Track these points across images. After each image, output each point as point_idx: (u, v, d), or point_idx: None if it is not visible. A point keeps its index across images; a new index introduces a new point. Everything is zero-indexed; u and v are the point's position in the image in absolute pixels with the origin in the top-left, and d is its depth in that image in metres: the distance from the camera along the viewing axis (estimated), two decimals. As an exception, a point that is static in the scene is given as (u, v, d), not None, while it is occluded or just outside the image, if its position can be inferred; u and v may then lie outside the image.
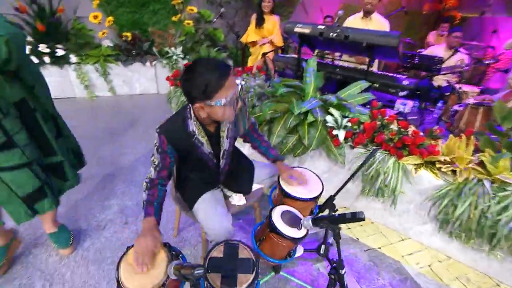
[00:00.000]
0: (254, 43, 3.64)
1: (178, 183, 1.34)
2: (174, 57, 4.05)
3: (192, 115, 1.09)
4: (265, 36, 3.54)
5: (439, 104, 2.80)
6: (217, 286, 0.82)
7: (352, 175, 1.34)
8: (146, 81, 4.23)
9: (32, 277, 1.39)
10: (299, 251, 1.48)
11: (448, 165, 1.55)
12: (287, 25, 2.52)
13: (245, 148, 2.17)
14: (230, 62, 4.35)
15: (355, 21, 2.91)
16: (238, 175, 1.39)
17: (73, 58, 3.62)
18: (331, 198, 1.31)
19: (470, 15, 5.32)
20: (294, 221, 1.06)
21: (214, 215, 1.16)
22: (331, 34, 2.19)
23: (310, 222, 0.97)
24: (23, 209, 1.19)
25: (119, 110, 3.62)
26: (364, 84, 2.10)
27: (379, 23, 2.84)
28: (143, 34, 4.23)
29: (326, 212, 1.35)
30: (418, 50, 3.91)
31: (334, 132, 1.83)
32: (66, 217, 1.77)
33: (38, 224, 1.57)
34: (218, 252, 0.92)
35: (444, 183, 1.58)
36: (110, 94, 4.00)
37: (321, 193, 1.26)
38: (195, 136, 1.10)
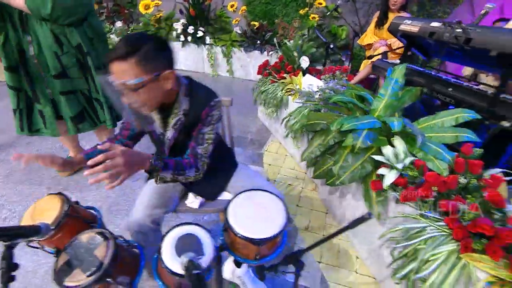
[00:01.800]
0: (370, 45, 3.03)
1: None
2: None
3: None
4: (384, 38, 2.88)
5: None
6: (62, 263, 0.76)
7: (320, 242, 0.89)
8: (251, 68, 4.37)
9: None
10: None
11: None
12: (393, 22, 1.91)
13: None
14: (347, 64, 3.78)
15: None
16: (206, 176, 1.16)
17: (208, 39, 4.28)
18: (299, 253, 0.96)
19: None
20: (189, 251, 0.77)
21: (140, 202, 1.09)
22: (446, 35, 1.45)
23: (186, 261, 0.72)
24: (71, 126, 1.65)
25: (229, 89, 4.09)
26: (465, 115, 1.32)
27: None
28: (270, 25, 4.36)
29: (290, 267, 1.00)
30: None
31: (381, 171, 1.27)
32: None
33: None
34: (87, 236, 0.82)
35: None
36: (228, 75, 4.48)
37: (268, 238, 0.90)
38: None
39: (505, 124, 1.35)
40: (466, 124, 1.33)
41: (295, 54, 2.63)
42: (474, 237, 0.95)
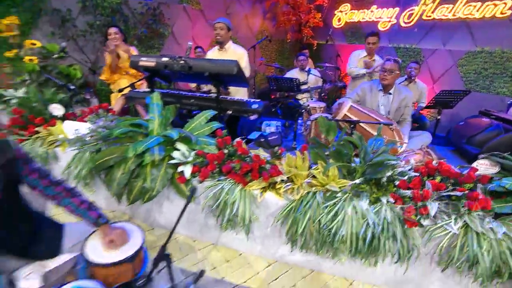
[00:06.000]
0: (114, 80, 3.40)
1: None
2: (14, 100, 3.03)
3: None
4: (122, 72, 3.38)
5: (299, 121, 3.00)
6: None
7: (179, 218, 1.23)
8: None
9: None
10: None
11: (288, 184, 1.76)
12: (132, 60, 2.41)
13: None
14: (95, 101, 3.85)
15: (213, 54, 3.07)
16: (37, 239, 1.17)
17: None
18: (163, 249, 1.22)
19: (321, 42, 6.89)
20: None
21: None
22: (175, 66, 2.17)
23: None
24: None
25: None
26: (209, 113, 2.16)
27: (234, 52, 2.97)
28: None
29: (162, 265, 1.27)
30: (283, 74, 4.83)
31: (180, 168, 1.82)
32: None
33: None
34: None
35: (286, 202, 1.72)
36: None
37: (138, 250, 1.18)
38: None
39: (229, 112, 2.34)
40: (212, 118, 2.13)
41: (38, 104, 2.46)
42: (246, 175, 1.78)
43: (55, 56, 3.14)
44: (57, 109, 2.49)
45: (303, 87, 4.37)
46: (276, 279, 1.82)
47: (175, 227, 1.23)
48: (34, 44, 3.48)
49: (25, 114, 2.47)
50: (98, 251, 1.15)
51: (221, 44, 2.98)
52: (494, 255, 1.43)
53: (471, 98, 4.47)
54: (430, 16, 5.17)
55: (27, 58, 3.36)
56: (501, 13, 4.35)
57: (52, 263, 1.21)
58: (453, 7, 4.85)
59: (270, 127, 2.97)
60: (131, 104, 3.29)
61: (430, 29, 5.27)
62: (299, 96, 4.51)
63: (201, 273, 1.61)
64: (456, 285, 1.66)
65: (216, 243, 2.06)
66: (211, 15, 5.86)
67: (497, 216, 1.57)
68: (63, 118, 2.53)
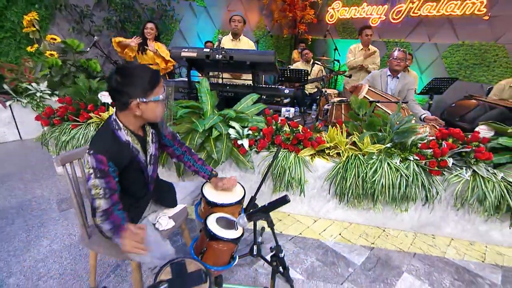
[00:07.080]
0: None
1: None
2: (38, 94, 3.51)
3: (121, 124, 1.08)
4: (149, 62, 3.49)
5: (314, 107, 3.47)
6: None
7: (265, 175, 1.54)
8: (1, 127, 3.54)
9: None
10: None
11: (334, 150, 2.15)
12: (173, 51, 2.59)
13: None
14: None
15: (227, 42, 3.32)
16: (164, 191, 1.45)
17: None
18: (253, 199, 1.53)
19: (318, 37, 7.60)
20: (229, 224, 1.16)
21: (160, 242, 1.20)
22: (217, 56, 2.38)
23: (245, 219, 1.04)
24: None
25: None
26: (255, 96, 2.44)
27: (247, 43, 3.36)
28: (-16, 70, 3.44)
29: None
30: (288, 66, 5.41)
31: (239, 142, 2.13)
32: None
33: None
34: (166, 274, 0.93)
35: (333, 164, 2.12)
36: None
37: (244, 194, 1.42)
38: (131, 145, 1.10)
39: (263, 96, 2.67)
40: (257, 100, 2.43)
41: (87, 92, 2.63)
42: (297, 145, 2.17)
43: (87, 49, 3.20)
44: (105, 97, 2.61)
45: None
46: (324, 230, 2.21)
47: (262, 182, 1.54)
48: (55, 39, 3.49)
49: (75, 102, 2.64)
50: (214, 196, 1.39)
51: (236, 35, 3.26)
52: (496, 193, 1.89)
53: (455, 86, 5.07)
54: (417, 13, 5.72)
55: (48, 53, 3.38)
56: (479, 10, 4.95)
57: (172, 210, 1.48)
58: (437, 4, 5.41)
59: (289, 112, 3.32)
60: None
61: (417, 24, 5.82)
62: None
63: (263, 229, 1.91)
64: (467, 223, 2.12)
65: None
66: (214, 11, 6.11)
67: (495, 166, 2.06)
68: (110, 105, 2.66)
